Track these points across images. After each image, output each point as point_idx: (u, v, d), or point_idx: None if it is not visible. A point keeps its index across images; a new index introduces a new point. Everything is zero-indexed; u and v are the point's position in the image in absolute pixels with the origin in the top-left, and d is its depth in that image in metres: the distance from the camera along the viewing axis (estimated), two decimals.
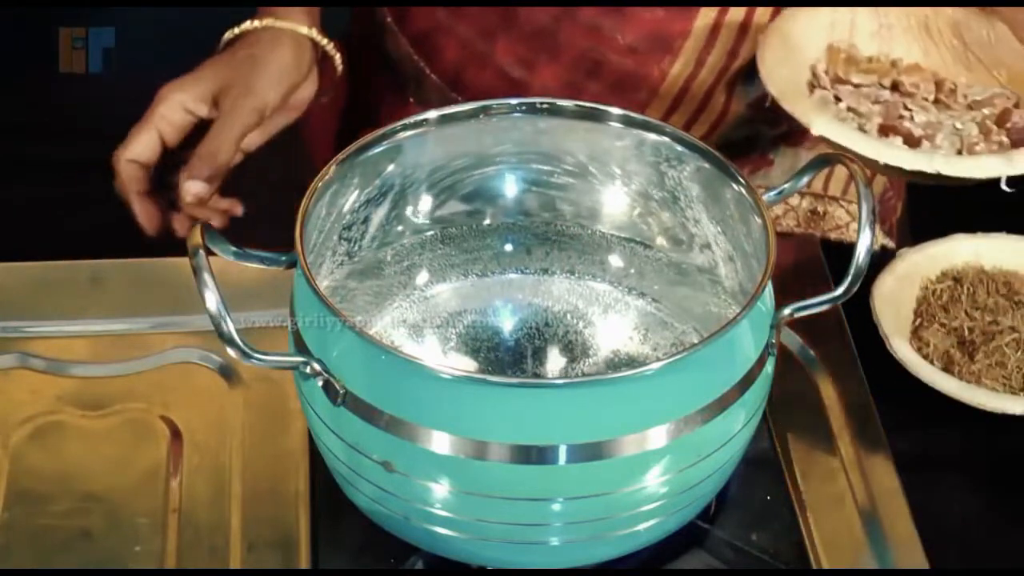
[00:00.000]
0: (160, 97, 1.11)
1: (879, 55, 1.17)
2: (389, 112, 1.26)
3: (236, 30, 1.15)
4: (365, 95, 1.31)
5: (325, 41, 1.14)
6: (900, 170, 1.07)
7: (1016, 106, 1.13)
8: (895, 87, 1.15)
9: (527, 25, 1.19)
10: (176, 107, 1.11)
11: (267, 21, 1.13)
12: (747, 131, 1.24)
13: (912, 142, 1.10)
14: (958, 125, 1.11)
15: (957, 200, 1.23)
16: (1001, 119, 1.12)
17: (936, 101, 1.14)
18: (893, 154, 1.07)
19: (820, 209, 1.26)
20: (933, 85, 1.15)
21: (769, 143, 1.25)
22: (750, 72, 1.18)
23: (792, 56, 1.14)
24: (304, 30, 1.13)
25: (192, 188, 1.07)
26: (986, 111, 1.13)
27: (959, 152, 1.10)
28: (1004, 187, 1.06)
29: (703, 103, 1.21)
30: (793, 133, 1.24)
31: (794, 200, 1.26)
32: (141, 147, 1.09)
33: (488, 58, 1.21)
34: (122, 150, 1.10)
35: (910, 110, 1.13)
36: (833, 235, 1.26)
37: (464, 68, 1.22)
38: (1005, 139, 1.11)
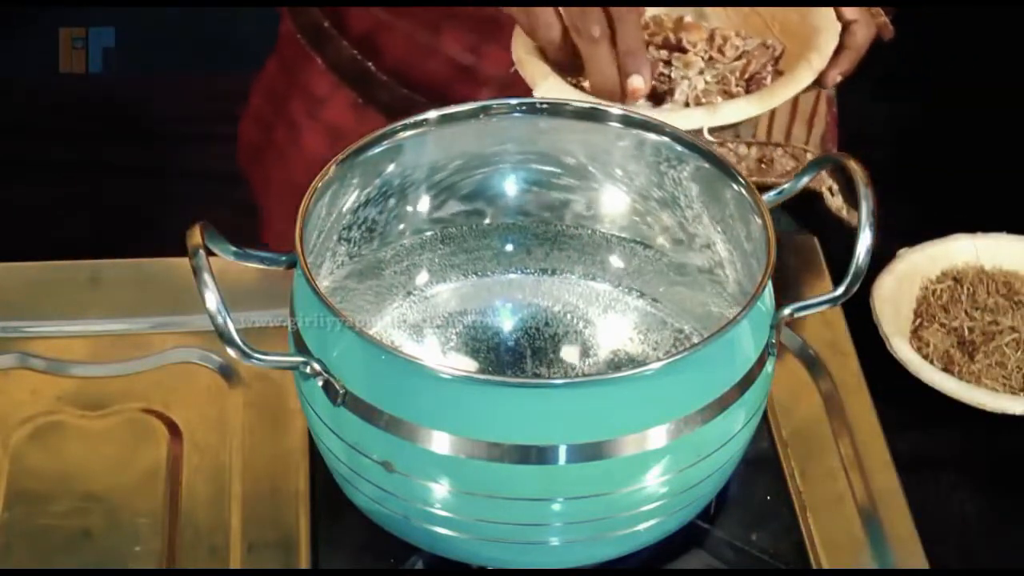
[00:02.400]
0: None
1: (663, 14, 1.16)
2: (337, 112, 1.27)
3: None
4: (301, 102, 1.31)
5: None
6: None
7: (779, 57, 1.13)
8: (673, 46, 1.14)
9: (471, 13, 1.19)
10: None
11: None
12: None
13: (657, 99, 1.10)
14: (692, 78, 1.11)
15: (957, 200, 1.23)
16: (742, 71, 1.12)
17: (710, 58, 1.13)
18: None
19: (768, 156, 1.27)
20: (707, 41, 1.14)
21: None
22: None
23: None
24: None
25: (635, 83, 1.05)
26: (750, 63, 1.12)
27: (686, 105, 1.10)
28: (707, 135, 1.06)
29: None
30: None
31: (742, 150, 1.27)
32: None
33: (435, 49, 1.21)
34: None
35: (670, 67, 1.12)
36: (783, 181, 1.25)
37: (412, 62, 1.22)
38: (742, 91, 1.11)
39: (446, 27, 1.21)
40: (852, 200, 1.27)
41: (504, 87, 1.19)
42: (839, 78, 1.11)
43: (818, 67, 1.09)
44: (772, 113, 1.28)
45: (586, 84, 1.08)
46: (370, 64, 1.24)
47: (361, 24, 1.24)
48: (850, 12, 1.11)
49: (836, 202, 1.27)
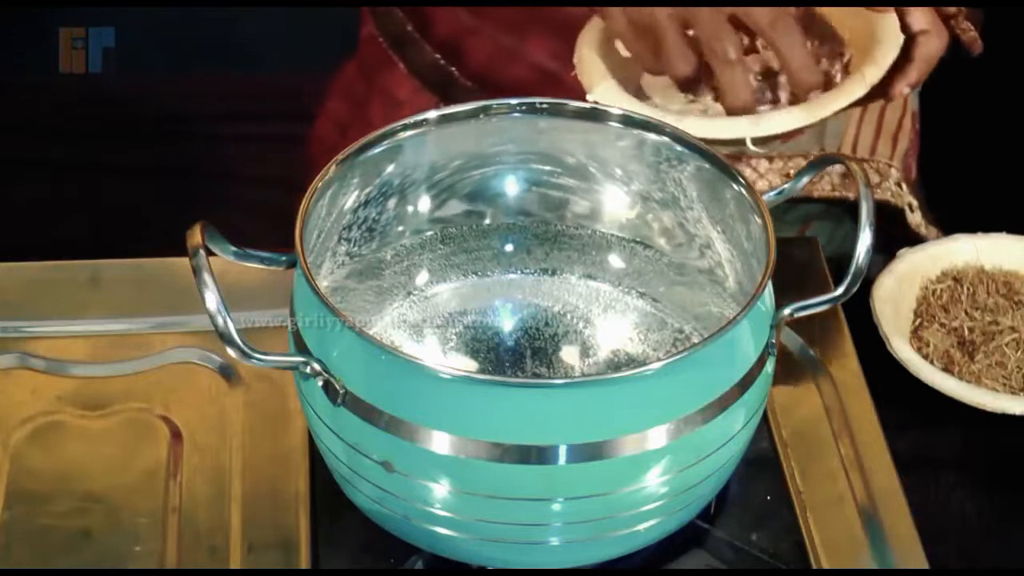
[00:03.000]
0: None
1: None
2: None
3: None
4: (381, 106, 1.31)
5: None
6: None
7: (847, 64, 1.11)
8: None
9: (559, 17, 1.18)
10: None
11: None
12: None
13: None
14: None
15: (957, 201, 1.23)
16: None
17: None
18: (653, 114, 1.06)
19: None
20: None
21: None
22: None
23: None
24: None
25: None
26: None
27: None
28: (750, 146, 1.05)
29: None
30: None
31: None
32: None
33: (520, 54, 1.20)
34: None
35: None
36: None
37: (496, 67, 1.21)
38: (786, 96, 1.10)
39: (532, 32, 1.20)
40: (931, 216, 1.27)
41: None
42: (907, 90, 1.09)
43: (871, 80, 1.06)
44: (858, 128, 1.29)
45: (707, 102, 1.08)
46: (453, 69, 1.24)
47: (445, 28, 1.24)
48: (919, 22, 1.08)
49: (915, 218, 1.27)
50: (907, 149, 1.32)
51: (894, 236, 1.23)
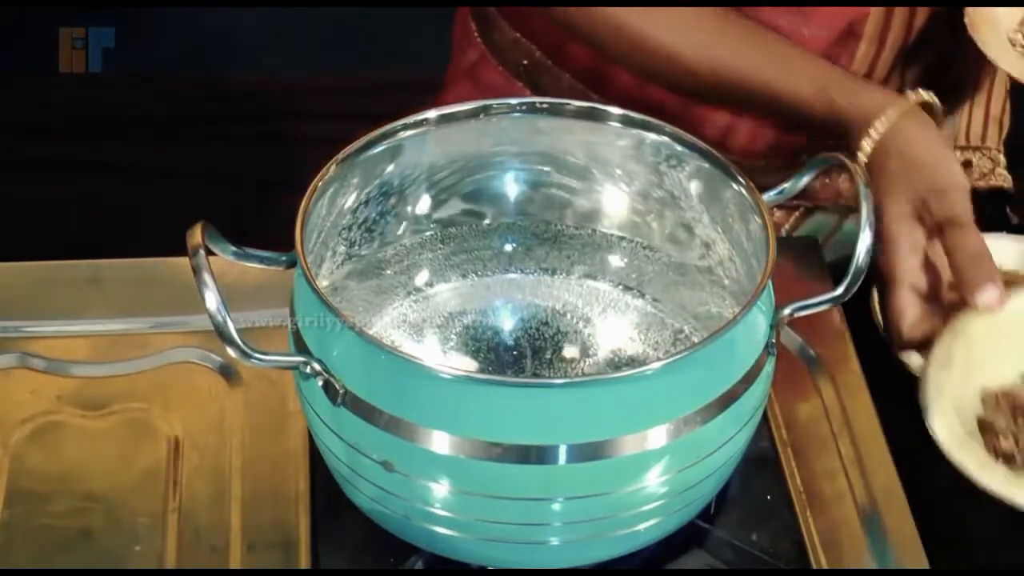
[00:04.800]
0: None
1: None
2: None
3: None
4: None
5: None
6: None
7: None
8: None
9: None
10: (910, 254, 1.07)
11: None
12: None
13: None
14: None
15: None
16: None
17: None
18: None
19: (969, 159, 1.28)
20: None
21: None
22: (920, 45, 1.22)
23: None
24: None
25: (990, 294, 1.04)
26: None
27: None
28: None
29: (885, 81, 1.23)
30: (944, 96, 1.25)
31: None
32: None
33: None
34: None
35: None
36: (980, 183, 1.28)
37: (641, 90, 1.22)
38: None
39: None
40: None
41: (733, 113, 1.21)
42: None
43: None
44: (969, 116, 1.30)
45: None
46: (593, 94, 1.25)
47: (586, 58, 1.24)
48: None
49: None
50: (1008, 134, 1.34)
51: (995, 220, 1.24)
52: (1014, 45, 1.17)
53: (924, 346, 1.05)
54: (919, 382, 1.03)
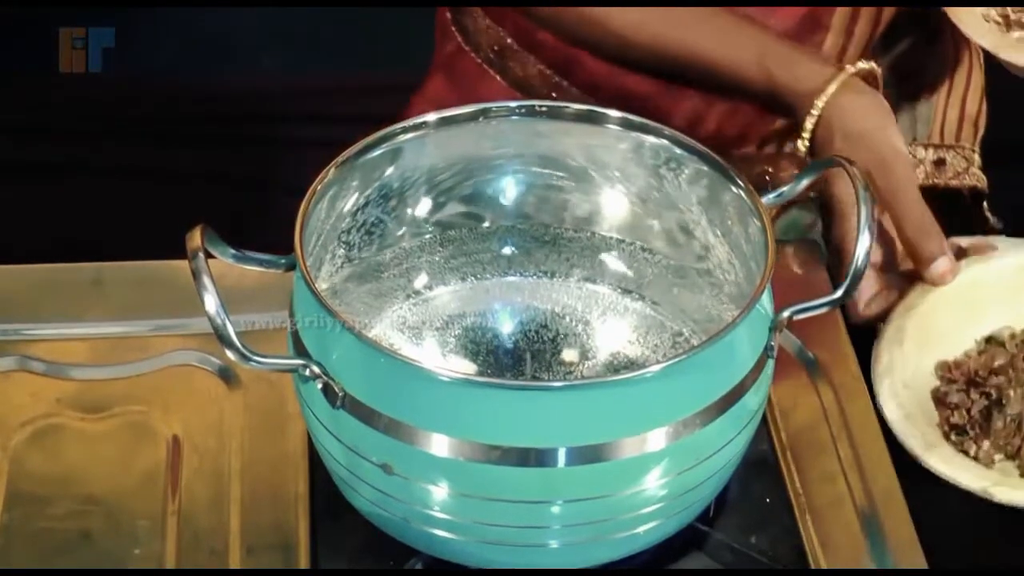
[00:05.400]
0: None
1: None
2: None
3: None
4: None
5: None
6: None
7: None
8: None
9: None
10: None
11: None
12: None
13: None
14: None
15: (956, 202, 1.23)
16: None
17: None
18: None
19: (942, 157, 1.29)
20: None
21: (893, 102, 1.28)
22: (887, 37, 1.23)
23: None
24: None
25: (940, 266, 1.05)
26: None
27: None
28: None
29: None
30: (912, 90, 1.29)
31: (920, 152, 1.29)
32: None
33: None
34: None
35: None
36: (954, 182, 1.28)
37: (609, 75, 1.22)
38: None
39: None
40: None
41: (702, 99, 1.21)
42: None
43: None
44: (943, 115, 1.30)
45: None
46: (561, 79, 1.25)
47: (554, 41, 1.24)
48: None
49: (987, 205, 1.29)
50: (984, 134, 1.34)
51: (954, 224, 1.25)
52: (987, 19, 1.17)
53: (880, 320, 1.06)
54: (871, 361, 1.04)
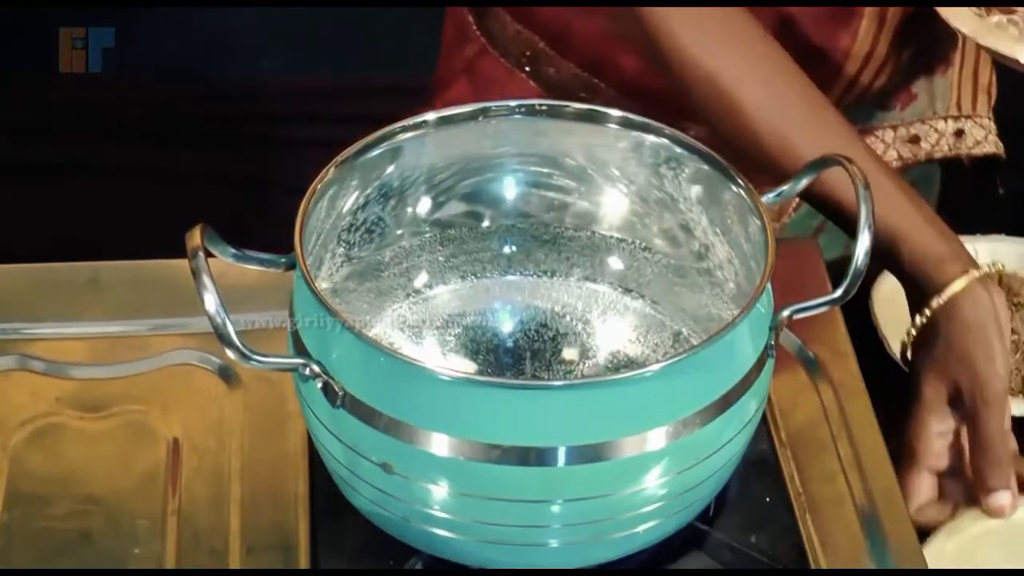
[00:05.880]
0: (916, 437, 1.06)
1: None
2: None
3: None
4: None
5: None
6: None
7: None
8: None
9: None
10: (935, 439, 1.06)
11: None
12: (903, 74, 1.28)
13: None
14: None
15: (956, 202, 1.23)
16: None
17: None
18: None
19: (961, 128, 1.30)
20: None
21: (911, 76, 1.29)
22: (911, 23, 1.23)
23: None
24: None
25: (1001, 500, 1.03)
26: None
27: None
28: None
29: (884, 63, 1.24)
30: (929, 63, 1.29)
31: (940, 125, 1.30)
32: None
33: None
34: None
35: None
36: (975, 151, 1.28)
37: (644, 75, 1.21)
38: None
39: None
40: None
41: None
42: None
43: None
44: (959, 87, 1.32)
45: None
46: (596, 80, 1.24)
47: (588, 43, 1.24)
48: None
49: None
50: (994, 104, 1.36)
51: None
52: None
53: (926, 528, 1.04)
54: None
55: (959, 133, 1.32)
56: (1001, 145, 1.33)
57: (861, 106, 1.28)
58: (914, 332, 1.07)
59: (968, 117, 1.33)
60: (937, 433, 1.05)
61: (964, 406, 1.04)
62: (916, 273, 1.06)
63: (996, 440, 1.03)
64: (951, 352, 1.04)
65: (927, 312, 1.06)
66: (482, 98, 1.23)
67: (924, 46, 1.28)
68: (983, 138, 1.32)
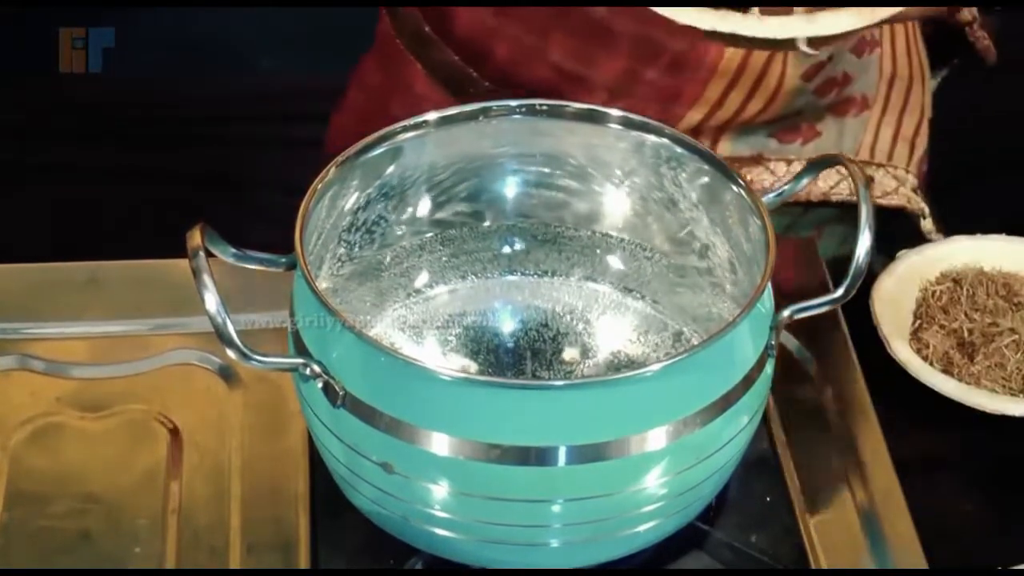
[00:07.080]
0: None
1: None
2: None
3: None
4: (401, 100, 1.30)
5: None
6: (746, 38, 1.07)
7: None
8: None
9: (581, 18, 1.17)
10: None
11: None
12: (800, 103, 1.23)
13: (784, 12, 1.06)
14: None
15: (955, 202, 1.23)
16: None
17: None
18: (719, 21, 1.06)
19: (871, 175, 1.26)
20: None
21: (817, 114, 1.26)
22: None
23: None
24: None
25: None
26: None
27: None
28: (804, 48, 1.03)
29: (760, 77, 1.19)
30: (840, 103, 1.25)
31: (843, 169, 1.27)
32: None
33: (541, 54, 1.19)
34: None
35: None
36: (882, 201, 1.25)
37: (516, 67, 1.21)
38: None
39: (555, 31, 1.19)
40: (940, 224, 1.27)
41: (613, 94, 1.18)
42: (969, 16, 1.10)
43: None
44: (876, 133, 1.28)
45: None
46: (471, 71, 1.24)
47: (467, 29, 1.23)
48: None
49: (927, 225, 1.27)
50: (922, 156, 1.32)
51: (897, 239, 1.23)
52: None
53: None
54: None
55: (868, 180, 1.27)
56: (916, 199, 1.27)
57: (752, 133, 1.23)
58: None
59: (881, 166, 1.27)
60: None
61: None
62: None
63: None
64: None
65: None
66: (381, 77, 1.24)
67: (829, 87, 1.22)
68: (893, 190, 1.26)
